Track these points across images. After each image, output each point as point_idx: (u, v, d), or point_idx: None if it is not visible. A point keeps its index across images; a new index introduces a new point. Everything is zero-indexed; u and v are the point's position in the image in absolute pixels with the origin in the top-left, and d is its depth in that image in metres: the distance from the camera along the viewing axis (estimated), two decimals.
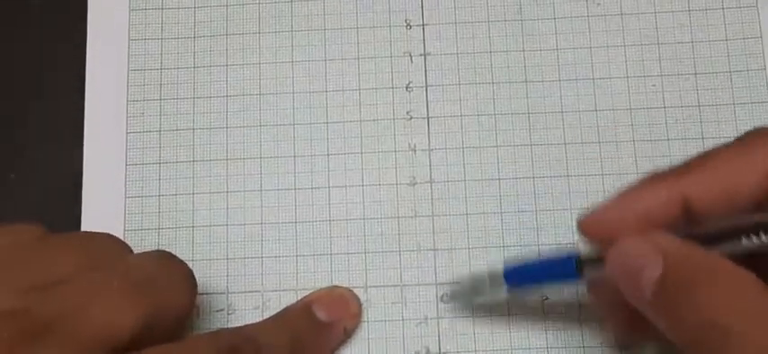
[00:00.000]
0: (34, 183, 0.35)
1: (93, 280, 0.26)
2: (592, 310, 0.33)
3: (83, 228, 0.34)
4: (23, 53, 0.37)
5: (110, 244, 0.29)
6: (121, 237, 0.34)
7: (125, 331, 0.25)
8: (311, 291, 0.33)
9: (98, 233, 0.30)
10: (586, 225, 0.27)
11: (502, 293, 0.30)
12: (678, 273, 0.24)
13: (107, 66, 0.36)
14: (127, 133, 0.35)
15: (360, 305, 0.33)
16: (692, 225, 0.26)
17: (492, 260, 0.34)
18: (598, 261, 0.27)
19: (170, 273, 0.28)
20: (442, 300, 0.33)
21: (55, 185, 0.35)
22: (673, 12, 0.36)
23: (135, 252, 0.29)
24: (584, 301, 0.33)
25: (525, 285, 0.30)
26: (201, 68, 0.36)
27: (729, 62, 0.35)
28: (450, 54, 0.36)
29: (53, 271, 0.26)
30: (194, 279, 0.29)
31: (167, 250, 0.30)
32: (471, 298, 0.33)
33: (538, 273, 0.30)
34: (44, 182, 0.35)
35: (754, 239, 0.24)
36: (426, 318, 0.33)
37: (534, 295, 0.33)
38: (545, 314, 0.33)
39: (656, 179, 0.26)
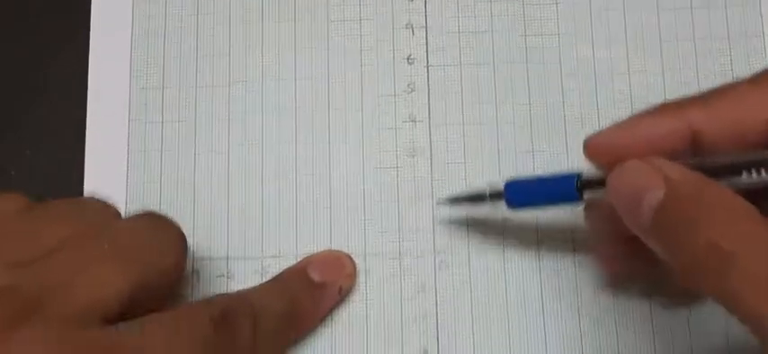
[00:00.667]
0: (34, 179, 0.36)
1: (80, 250, 0.26)
2: (585, 238, 0.33)
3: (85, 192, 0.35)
4: (24, 46, 0.37)
5: (96, 210, 0.29)
6: (124, 205, 0.34)
7: (115, 298, 0.25)
8: None
9: (84, 199, 0.30)
10: (592, 147, 0.27)
11: (501, 208, 0.31)
12: (680, 198, 0.24)
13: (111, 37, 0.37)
14: (130, 89, 0.36)
15: (354, 265, 0.34)
16: (698, 157, 0.26)
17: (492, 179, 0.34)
18: (599, 183, 0.27)
19: (160, 235, 0.28)
20: (436, 203, 0.34)
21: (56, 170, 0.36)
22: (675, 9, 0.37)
23: (125, 215, 0.29)
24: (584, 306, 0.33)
25: (524, 203, 0.30)
26: (203, 25, 0.36)
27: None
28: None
29: (39, 244, 0.26)
30: (185, 240, 0.29)
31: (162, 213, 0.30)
32: (469, 208, 0.33)
33: (538, 191, 0.30)
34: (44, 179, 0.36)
35: (763, 174, 0.24)
36: (424, 286, 0.33)
37: (532, 212, 0.33)
38: (544, 320, 0.33)
39: (666, 107, 0.27)
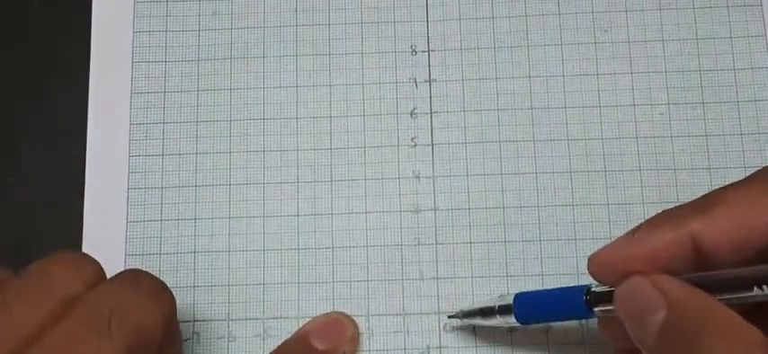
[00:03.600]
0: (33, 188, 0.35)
1: (61, 334, 0.25)
2: (597, 339, 0.33)
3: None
4: (25, 58, 0.37)
5: (70, 276, 0.26)
6: (122, 262, 0.34)
7: None
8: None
9: (56, 262, 0.27)
10: (595, 265, 0.27)
11: (510, 322, 0.30)
12: (681, 319, 0.23)
13: (110, 86, 0.36)
14: (130, 157, 0.35)
15: (356, 328, 0.33)
16: (704, 265, 0.25)
17: (496, 289, 0.33)
18: (608, 297, 0.27)
19: (142, 293, 0.27)
20: (447, 317, 0.33)
21: (54, 189, 0.35)
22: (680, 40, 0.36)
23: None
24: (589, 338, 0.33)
25: (534, 317, 0.30)
26: (204, 92, 0.36)
27: (737, 92, 0.35)
28: (456, 81, 0.36)
29: (17, 336, 0.24)
30: (168, 290, 0.28)
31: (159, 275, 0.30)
32: (479, 323, 0.32)
33: (547, 307, 0.29)
34: (43, 188, 0.35)
35: (765, 289, 0.23)
36: (428, 347, 0.33)
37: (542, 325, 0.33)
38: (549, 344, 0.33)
39: (665, 218, 0.26)
